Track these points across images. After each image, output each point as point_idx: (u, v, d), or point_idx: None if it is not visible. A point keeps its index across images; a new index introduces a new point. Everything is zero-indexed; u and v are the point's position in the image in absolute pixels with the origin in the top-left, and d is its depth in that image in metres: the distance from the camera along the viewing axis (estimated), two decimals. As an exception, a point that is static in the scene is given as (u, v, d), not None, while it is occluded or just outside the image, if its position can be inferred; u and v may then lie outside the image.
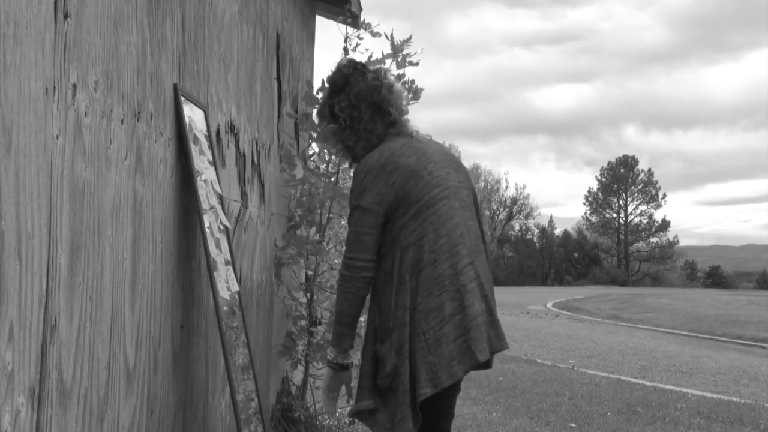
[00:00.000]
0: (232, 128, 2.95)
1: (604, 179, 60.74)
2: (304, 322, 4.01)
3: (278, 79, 3.90)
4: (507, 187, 57.81)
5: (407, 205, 2.09)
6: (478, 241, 2.22)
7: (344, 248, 2.20)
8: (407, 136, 2.24)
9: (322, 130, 2.37)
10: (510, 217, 55.48)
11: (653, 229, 58.56)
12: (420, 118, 2.86)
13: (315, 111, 2.37)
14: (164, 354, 2.15)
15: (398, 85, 2.33)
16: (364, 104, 2.22)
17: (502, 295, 24.19)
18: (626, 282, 52.42)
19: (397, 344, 2.07)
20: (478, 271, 2.16)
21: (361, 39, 3.99)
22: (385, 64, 3.90)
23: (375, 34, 4.01)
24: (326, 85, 2.34)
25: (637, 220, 59.50)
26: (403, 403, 2.04)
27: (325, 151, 4.04)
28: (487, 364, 2.23)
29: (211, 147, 2.57)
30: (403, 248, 2.08)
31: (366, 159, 2.17)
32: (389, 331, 2.09)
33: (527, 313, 17.57)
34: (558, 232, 57.93)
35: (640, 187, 59.72)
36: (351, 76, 2.26)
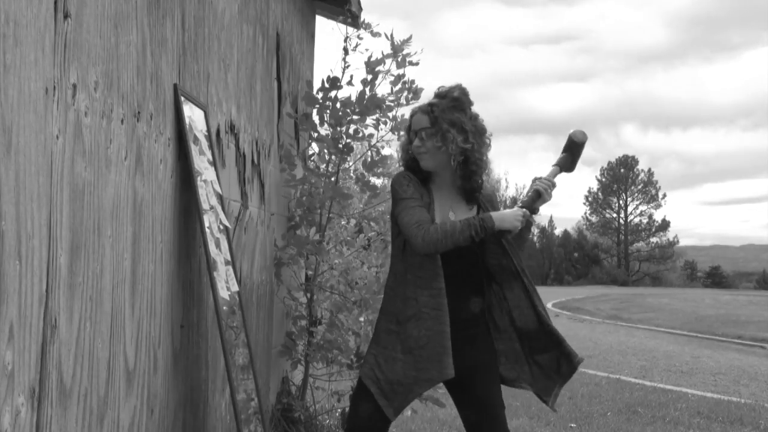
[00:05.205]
0: (232, 128, 2.95)
1: (603, 179, 60.68)
2: (304, 322, 4.01)
3: (278, 79, 3.89)
4: (507, 187, 57.54)
5: None
6: None
7: None
8: None
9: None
10: (510, 217, 55.30)
11: (653, 229, 58.48)
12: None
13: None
14: (164, 354, 2.15)
15: None
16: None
17: (502, 295, 24.08)
18: (626, 282, 52.37)
19: None
20: None
21: (361, 39, 3.98)
22: (385, 64, 3.90)
23: (375, 34, 4.00)
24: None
25: (637, 220, 59.45)
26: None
27: (325, 150, 4.03)
28: None
29: (211, 147, 2.57)
30: None
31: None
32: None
33: (527, 313, 17.52)
34: (558, 232, 57.83)
35: (639, 187, 59.65)
36: None
